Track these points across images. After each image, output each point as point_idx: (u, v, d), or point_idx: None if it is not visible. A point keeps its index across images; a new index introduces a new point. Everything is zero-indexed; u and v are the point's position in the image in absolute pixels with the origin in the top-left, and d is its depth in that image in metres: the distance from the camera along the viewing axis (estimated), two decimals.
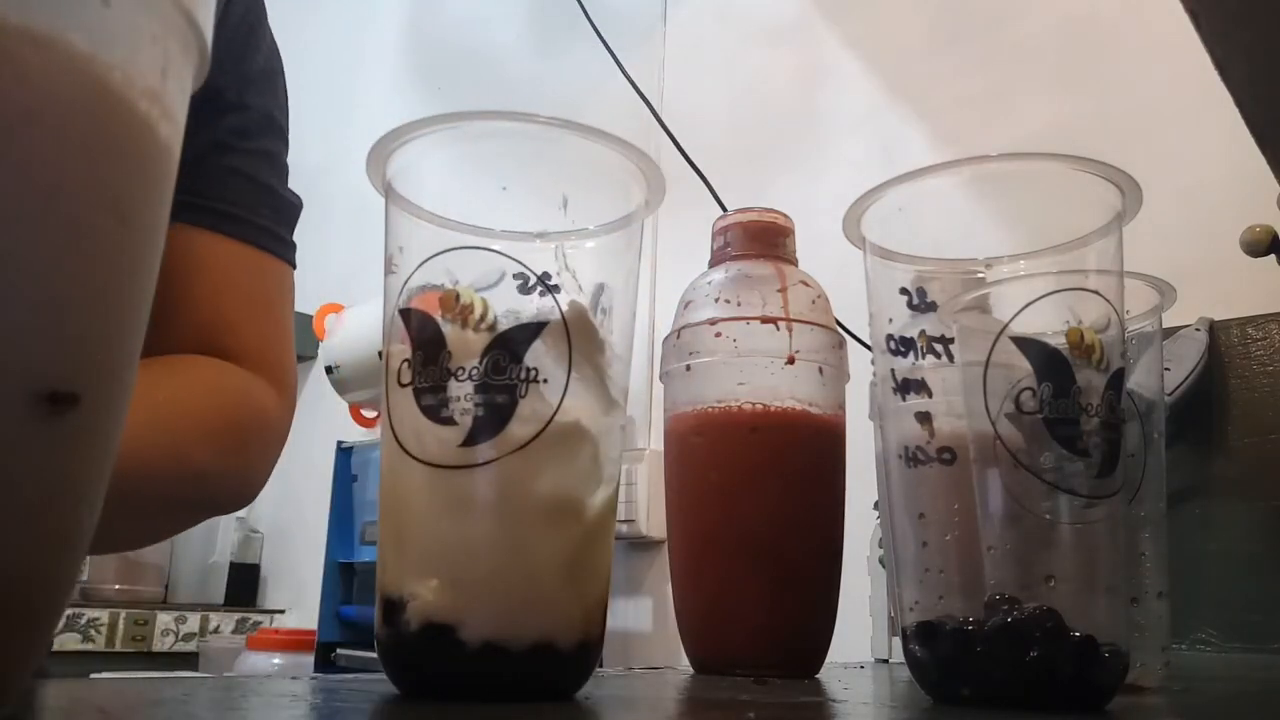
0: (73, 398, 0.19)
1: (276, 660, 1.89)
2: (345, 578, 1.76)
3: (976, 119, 1.35)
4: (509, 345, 0.31)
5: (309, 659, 1.77)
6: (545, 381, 0.31)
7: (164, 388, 0.50)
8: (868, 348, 0.44)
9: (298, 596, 2.29)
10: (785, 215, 0.60)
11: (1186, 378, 0.95)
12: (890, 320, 0.39)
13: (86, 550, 0.22)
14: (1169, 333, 0.92)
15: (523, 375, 0.31)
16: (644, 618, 1.73)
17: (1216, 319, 0.98)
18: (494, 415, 0.31)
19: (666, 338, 0.57)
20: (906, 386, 0.38)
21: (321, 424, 1.94)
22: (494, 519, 0.31)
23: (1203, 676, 0.58)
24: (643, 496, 1.72)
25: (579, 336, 0.32)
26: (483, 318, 0.31)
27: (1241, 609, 0.88)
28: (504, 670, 0.31)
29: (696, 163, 1.40)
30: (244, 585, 2.39)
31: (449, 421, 0.31)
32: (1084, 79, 1.28)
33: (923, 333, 0.38)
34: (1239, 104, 0.48)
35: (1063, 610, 0.33)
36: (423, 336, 0.32)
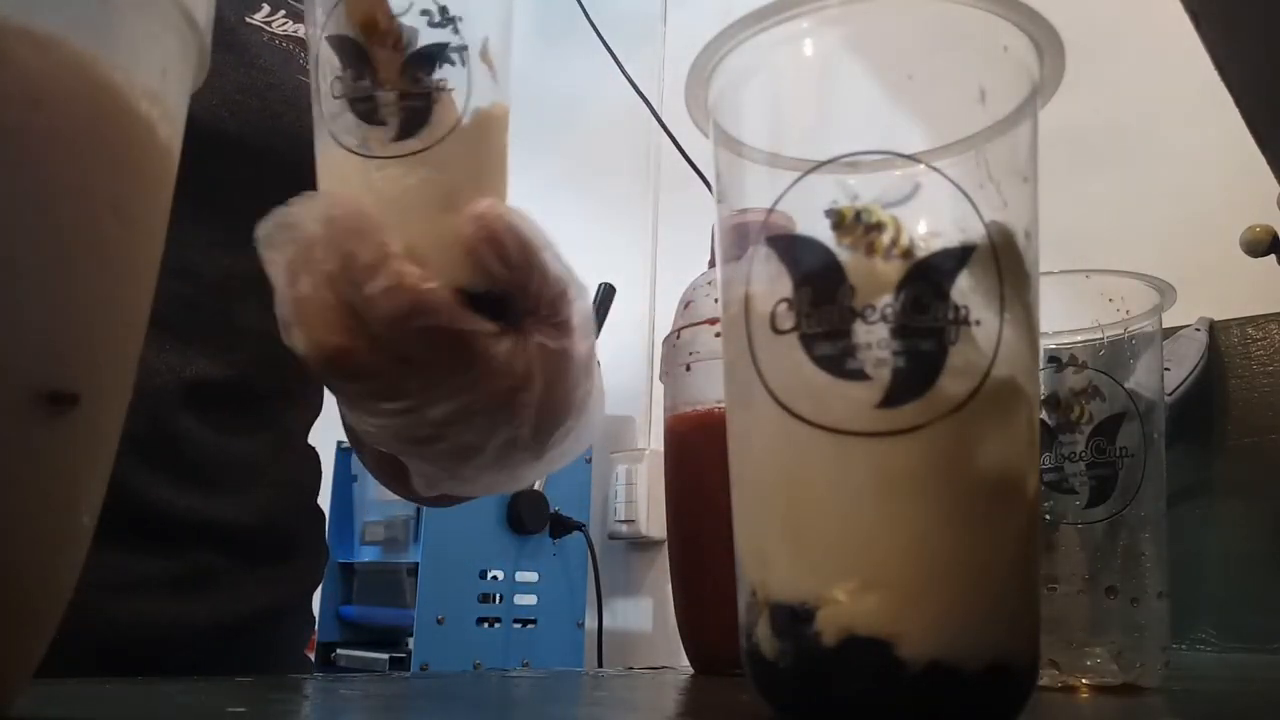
0: (73, 398, 0.19)
1: None
2: (345, 578, 1.75)
3: None
4: (931, 276, 0.25)
5: (308, 658, 1.76)
6: (977, 324, 0.25)
7: None
8: None
9: None
10: (787, 215, 0.60)
11: (1186, 378, 0.95)
12: None
13: (86, 550, 0.22)
14: (1169, 333, 0.92)
15: (951, 315, 0.25)
16: (644, 618, 1.73)
17: (1216, 319, 0.98)
18: (919, 367, 0.25)
19: (666, 338, 0.57)
20: None
21: (321, 425, 1.93)
22: (930, 501, 0.25)
23: (1203, 676, 0.58)
24: (643, 496, 1.72)
25: (1008, 265, 0.26)
26: (895, 242, 0.25)
27: (1241, 609, 0.88)
28: (953, 699, 0.24)
29: (696, 163, 1.40)
30: None
31: (859, 376, 0.25)
32: (1084, 79, 1.28)
33: None
34: (1239, 104, 0.48)
35: None
36: (808, 268, 0.26)
